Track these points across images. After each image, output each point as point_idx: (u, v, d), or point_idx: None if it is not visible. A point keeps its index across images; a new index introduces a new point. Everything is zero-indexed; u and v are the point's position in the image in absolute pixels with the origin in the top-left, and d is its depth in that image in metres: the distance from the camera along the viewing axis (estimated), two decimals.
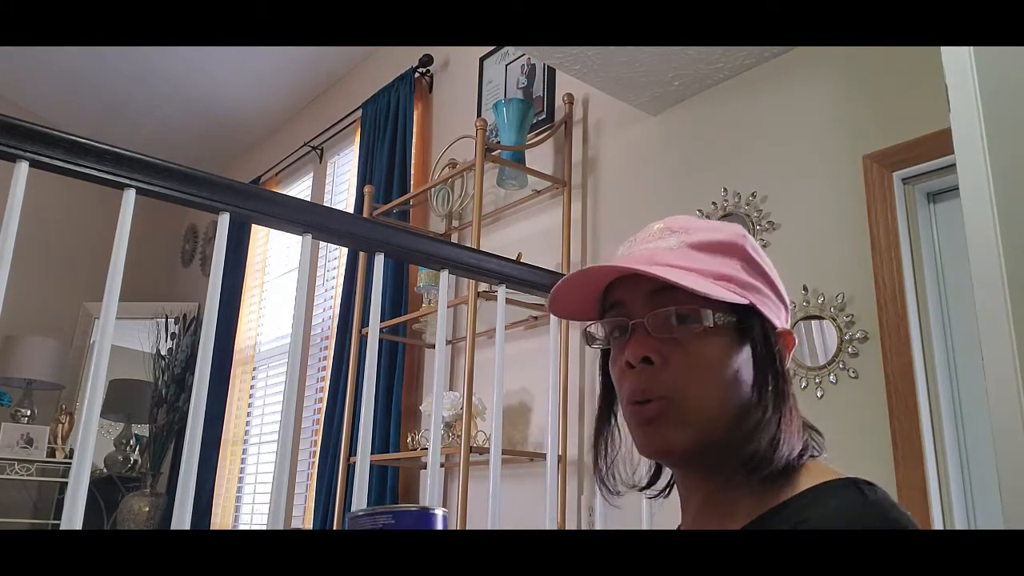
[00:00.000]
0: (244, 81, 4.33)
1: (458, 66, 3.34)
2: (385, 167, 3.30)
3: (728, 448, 0.67)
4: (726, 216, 2.14)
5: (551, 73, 2.82)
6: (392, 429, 2.89)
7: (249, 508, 3.96)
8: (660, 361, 0.67)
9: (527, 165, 2.66)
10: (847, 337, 1.82)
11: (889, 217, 1.79)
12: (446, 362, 2.80)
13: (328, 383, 3.27)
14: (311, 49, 3.97)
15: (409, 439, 2.72)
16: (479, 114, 3.05)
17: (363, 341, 2.86)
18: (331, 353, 3.38)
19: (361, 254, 2.94)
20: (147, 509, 4.00)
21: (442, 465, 2.76)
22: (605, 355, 0.76)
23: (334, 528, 2.74)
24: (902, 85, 1.85)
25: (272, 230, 3.38)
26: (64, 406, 4.43)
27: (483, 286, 2.36)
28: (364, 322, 2.92)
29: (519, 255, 2.35)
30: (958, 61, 1.12)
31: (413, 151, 3.29)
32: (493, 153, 2.58)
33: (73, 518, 1.11)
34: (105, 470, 4.25)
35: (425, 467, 2.81)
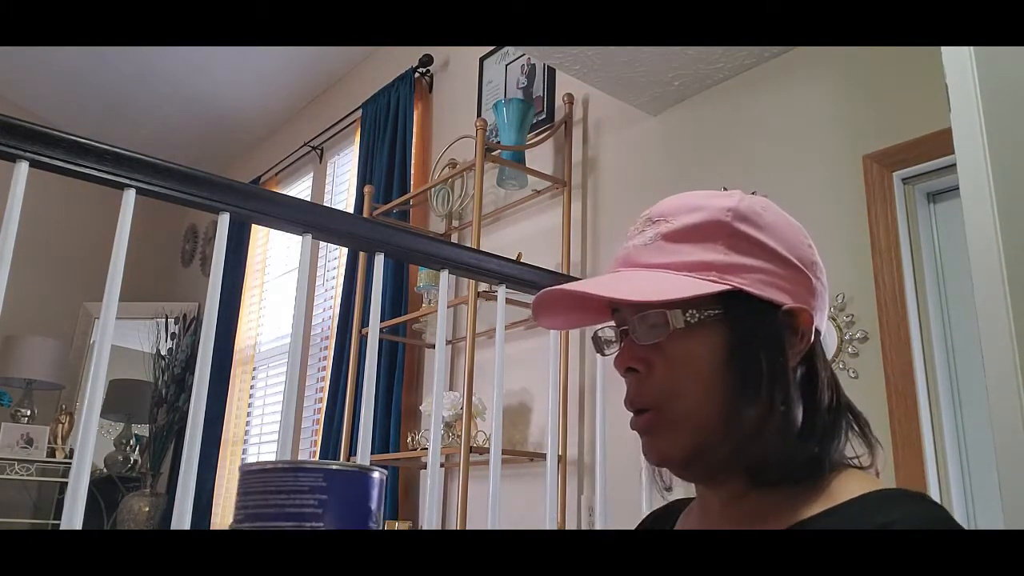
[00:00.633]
0: (244, 81, 4.33)
1: (458, 66, 3.34)
2: (385, 167, 3.30)
3: (733, 454, 0.62)
4: None
5: (551, 73, 2.82)
6: (392, 429, 2.89)
7: None
8: (644, 369, 0.64)
9: (527, 165, 2.66)
10: (847, 337, 1.82)
11: (889, 217, 1.79)
12: (446, 362, 2.80)
13: (328, 383, 3.27)
14: (311, 49, 3.97)
15: (409, 439, 2.72)
16: (479, 114, 3.05)
17: (363, 341, 2.86)
18: (331, 353, 3.38)
19: (361, 254, 2.94)
20: (147, 509, 3.99)
21: (442, 465, 2.76)
22: None
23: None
24: (902, 85, 1.85)
25: (272, 230, 3.38)
26: (64, 406, 4.43)
27: (483, 286, 2.36)
28: (364, 322, 2.92)
29: (519, 255, 2.35)
30: (958, 61, 1.12)
31: (413, 151, 3.29)
32: (493, 153, 2.58)
33: (73, 518, 1.11)
34: (105, 470, 4.25)
35: (425, 467, 2.81)
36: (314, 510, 0.48)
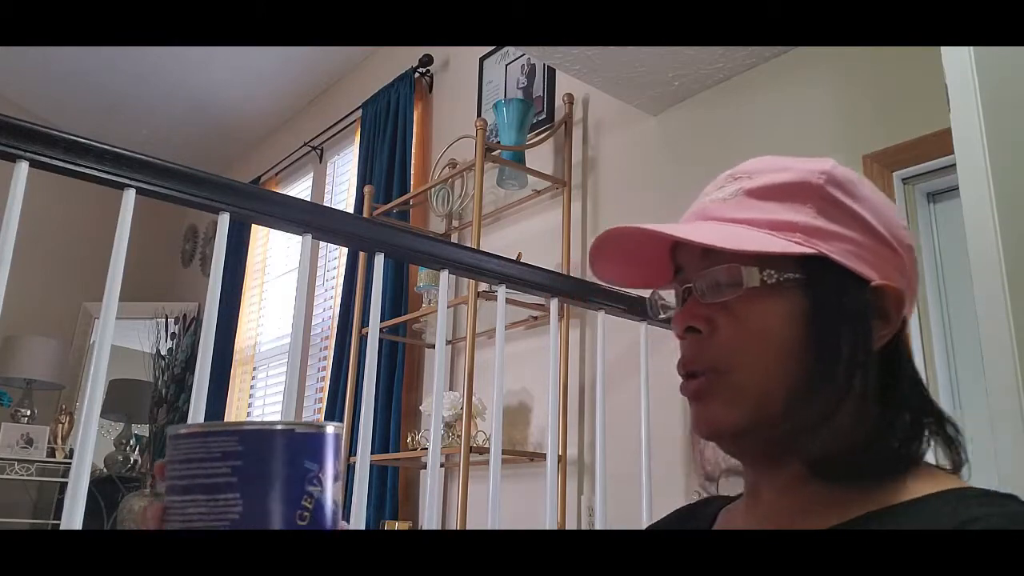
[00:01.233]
0: (244, 81, 4.33)
1: (458, 66, 3.34)
2: (385, 167, 3.30)
3: (794, 436, 0.56)
4: None
5: (551, 73, 2.82)
6: (392, 429, 2.89)
7: None
8: (707, 329, 0.57)
9: (527, 165, 2.66)
10: None
11: None
12: (446, 362, 2.80)
13: (328, 383, 3.27)
14: (311, 49, 3.97)
15: (409, 439, 2.72)
16: (479, 114, 3.05)
17: (363, 341, 2.86)
18: (331, 353, 3.38)
19: (361, 254, 2.94)
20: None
21: (442, 465, 2.76)
22: None
23: None
24: (902, 85, 1.85)
25: (272, 230, 3.38)
26: (64, 406, 4.43)
27: (483, 286, 2.36)
28: (364, 322, 2.92)
29: (519, 255, 2.35)
30: (958, 61, 1.12)
31: (413, 151, 3.29)
32: (493, 153, 2.58)
33: (73, 518, 1.11)
34: (105, 470, 4.25)
35: (425, 467, 2.81)
36: (227, 479, 0.41)
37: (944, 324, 1.73)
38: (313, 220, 1.48)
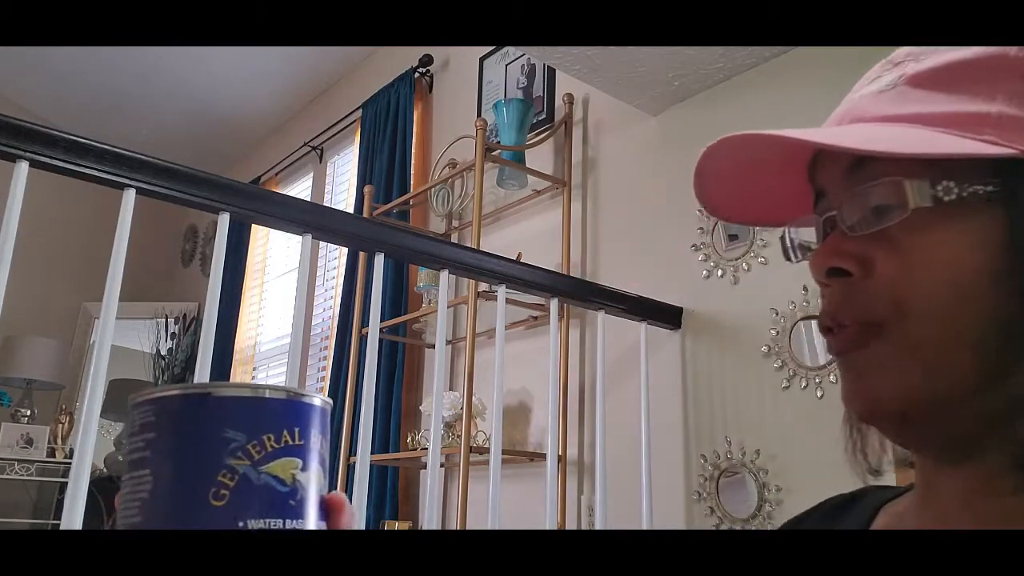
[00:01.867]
0: (244, 81, 4.33)
1: (458, 66, 3.34)
2: (385, 167, 3.30)
3: (990, 415, 0.39)
4: None
5: (551, 73, 2.82)
6: (392, 429, 2.89)
7: None
8: (859, 270, 0.42)
9: (527, 165, 2.66)
10: None
11: None
12: (446, 362, 2.80)
13: (328, 383, 3.27)
14: (311, 49, 3.97)
15: (409, 439, 2.72)
16: (479, 114, 3.05)
17: (363, 341, 2.86)
18: (331, 353, 3.38)
19: (361, 254, 2.94)
20: None
21: (442, 465, 2.76)
22: None
23: None
24: None
25: (272, 230, 3.38)
26: (64, 406, 4.43)
27: (483, 286, 2.36)
28: (364, 322, 2.93)
29: (519, 255, 2.35)
30: None
31: (413, 151, 3.29)
32: (493, 153, 2.59)
33: (73, 518, 1.11)
34: (105, 470, 4.25)
35: (425, 467, 2.81)
36: (143, 454, 0.36)
37: None
38: (313, 220, 1.48)
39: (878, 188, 0.42)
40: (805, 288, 1.91)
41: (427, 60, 3.41)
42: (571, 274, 2.49)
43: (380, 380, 2.92)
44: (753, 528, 1.90)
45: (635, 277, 2.30)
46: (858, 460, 0.49)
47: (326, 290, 3.81)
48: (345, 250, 3.49)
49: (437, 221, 3.16)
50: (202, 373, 1.31)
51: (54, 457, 4.16)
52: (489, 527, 1.58)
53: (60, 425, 4.25)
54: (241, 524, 0.36)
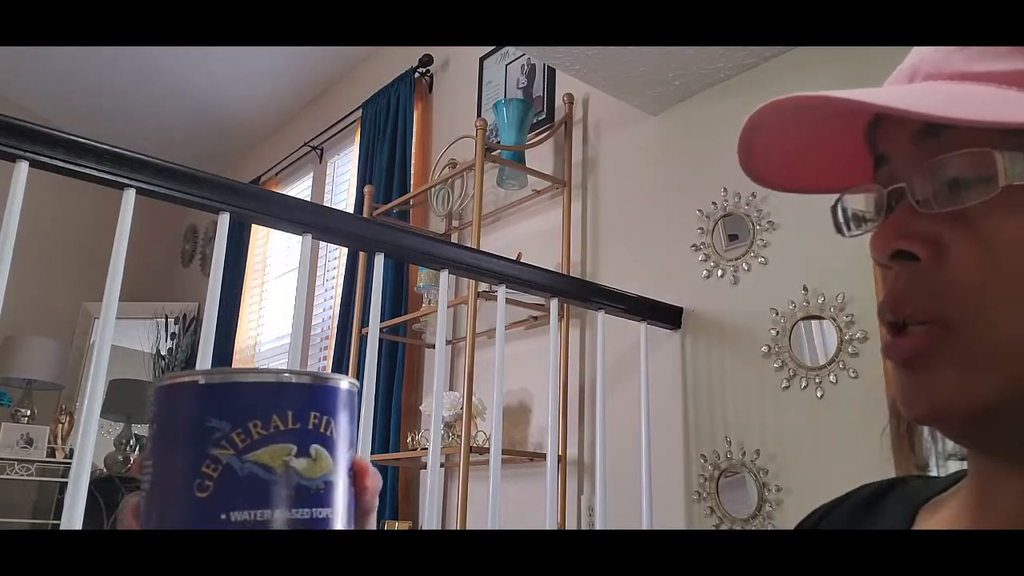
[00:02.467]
0: (244, 81, 4.33)
1: (458, 66, 3.34)
2: (385, 167, 3.30)
3: None
4: (726, 216, 2.14)
5: (551, 73, 2.82)
6: (392, 429, 2.89)
7: None
8: (930, 254, 0.37)
9: (527, 165, 2.66)
10: (847, 337, 1.82)
11: None
12: (446, 362, 2.80)
13: None
14: (311, 49, 3.97)
15: (409, 439, 2.72)
16: (479, 114, 3.05)
17: (363, 341, 2.86)
18: (331, 353, 3.38)
19: (361, 254, 2.94)
20: None
21: (442, 465, 2.76)
22: None
23: None
24: None
25: (272, 230, 3.38)
26: (64, 406, 4.43)
27: (483, 286, 2.36)
28: (364, 322, 2.93)
29: (519, 255, 2.35)
30: None
31: (413, 151, 3.29)
32: (493, 153, 2.59)
33: (73, 518, 1.11)
34: (105, 470, 4.25)
35: (425, 467, 2.81)
36: (148, 445, 0.37)
37: None
38: (313, 220, 1.49)
39: (959, 159, 0.35)
40: (805, 288, 1.91)
41: (427, 60, 3.41)
42: (571, 274, 2.49)
43: (380, 380, 2.92)
44: (753, 528, 1.90)
45: (635, 277, 2.30)
46: (904, 453, 0.45)
47: (326, 290, 3.81)
48: (345, 250, 3.49)
49: (437, 221, 3.16)
50: None
51: (54, 457, 4.16)
52: (489, 527, 1.58)
53: (60, 425, 4.25)
54: (224, 516, 0.35)
